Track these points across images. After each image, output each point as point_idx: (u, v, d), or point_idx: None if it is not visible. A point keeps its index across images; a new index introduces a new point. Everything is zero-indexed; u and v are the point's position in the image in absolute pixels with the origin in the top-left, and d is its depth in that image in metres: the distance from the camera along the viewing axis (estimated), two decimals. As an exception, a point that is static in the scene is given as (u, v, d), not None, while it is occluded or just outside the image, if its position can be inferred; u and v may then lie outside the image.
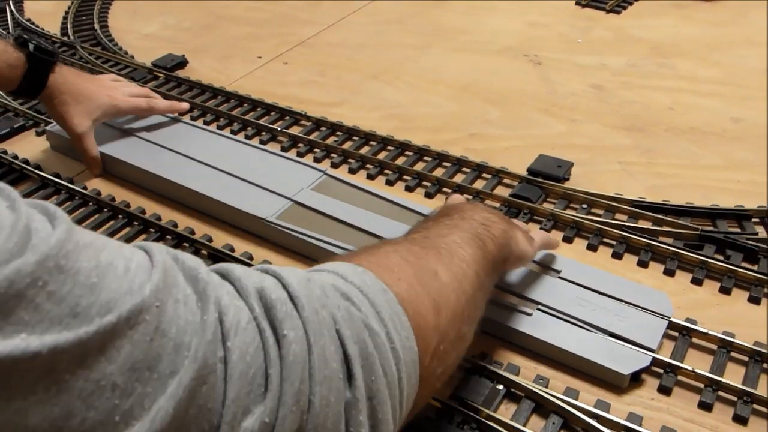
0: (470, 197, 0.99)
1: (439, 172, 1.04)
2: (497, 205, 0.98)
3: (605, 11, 1.59)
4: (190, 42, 1.50)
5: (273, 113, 1.21)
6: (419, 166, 1.06)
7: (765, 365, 0.74)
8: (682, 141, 1.12)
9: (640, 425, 0.67)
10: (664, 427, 0.68)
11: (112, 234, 0.93)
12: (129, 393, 0.33)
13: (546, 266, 0.82)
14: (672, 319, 0.76)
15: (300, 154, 1.10)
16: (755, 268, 0.85)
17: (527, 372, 0.74)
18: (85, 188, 1.01)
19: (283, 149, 1.10)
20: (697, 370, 0.72)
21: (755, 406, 0.69)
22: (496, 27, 1.54)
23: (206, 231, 0.94)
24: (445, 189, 1.01)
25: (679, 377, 0.72)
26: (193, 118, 1.18)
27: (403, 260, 0.53)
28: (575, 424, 0.68)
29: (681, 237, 0.91)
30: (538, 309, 0.77)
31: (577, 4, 1.63)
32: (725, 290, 0.84)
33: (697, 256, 0.86)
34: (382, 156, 1.08)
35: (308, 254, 0.88)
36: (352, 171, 1.06)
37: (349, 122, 1.15)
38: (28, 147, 1.13)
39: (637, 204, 0.96)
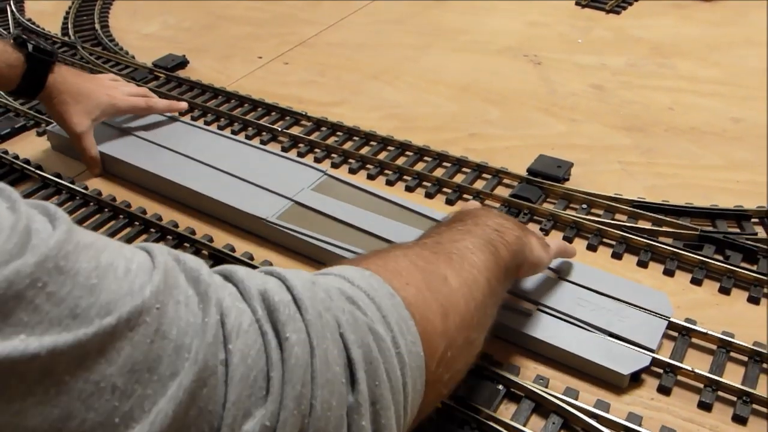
0: (471, 197, 0.99)
1: (439, 173, 1.04)
2: (497, 205, 0.98)
3: (605, 11, 1.59)
4: (191, 42, 1.50)
5: (273, 113, 1.21)
6: (419, 167, 1.06)
7: (764, 365, 0.74)
8: (682, 141, 1.12)
9: (640, 425, 0.67)
10: (663, 427, 0.68)
11: (112, 234, 0.93)
12: (129, 395, 0.32)
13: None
14: (671, 319, 0.76)
15: (300, 155, 1.10)
16: (754, 268, 0.86)
17: (527, 372, 0.74)
18: (86, 188, 1.01)
19: (284, 149, 1.11)
20: (696, 370, 0.72)
21: (755, 406, 0.70)
22: (496, 27, 1.54)
23: (207, 231, 0.94)
24: (445, 189, 1.02)
25: (679, 377, 0.73)
26: (193, 119, 1.18)
27: (412, 264, 0.52)
28: (575, 423, 0.68)
29: (680, 237, 0.91)
30: (538, 309, 0.78)
31: (577, 4, 1.63)
32: (725, 290, 0.84)
33: (697, 257, 0.86)
34: (382, 156, 1.08)
35: (309, 254, 0.88)
36: (352, 171, 1.06)
37: (350, 122, 1.16)
38: (29, 147, 1.14)
39: (636, 204, 0.96)
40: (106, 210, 0.98)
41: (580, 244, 0.91)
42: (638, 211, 0.95)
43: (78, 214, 0.97)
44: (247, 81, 1.34)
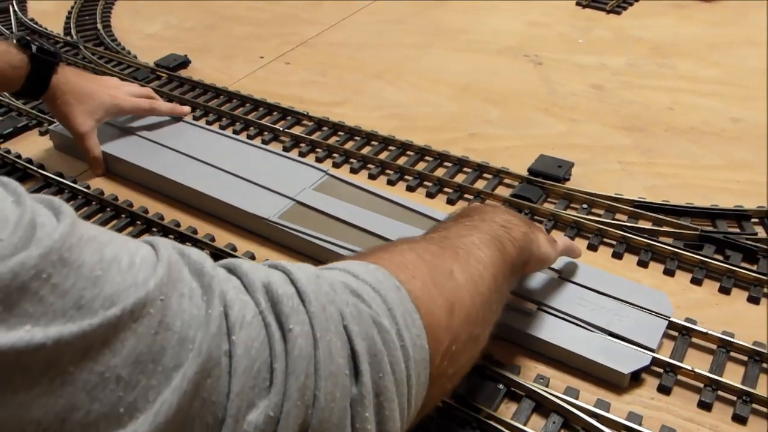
0: (471, 197, 1.00)
1: (440, 172, 1.04)
2: (498, 205, 0.98)
3: (605, 11, 1.59)
4: (193, 42, 1.50)
5: (275, 113, 1.21)
6: (420, 166, 1.06)
7: (764, 365, 0.74)
8: (682, 141, 1.13)
9: (640, 424, 0.67)
10: (663, 427, 0.68)
11: (115, 233, 0.93)
12: (133, 386, 0.33)
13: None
14: (672, 319, 0.77)
15: (302, 154, 1.10)
16: (754, 268, 0.86)
17: (528, 371, 0.74)
18: (88, 187, 1.01)
19: (285, 149, 1.11)
20: (696, 370, 0.72)
21: (754, 405, 0.70)
22: (496, 27, 1.54)
23: (209, 230, 0.94)
24: (446, 189, 1.02)
25: (679, 377, 0.73)
26: (195, 118, 1.19)
27: (418, 258, 0.52)
28: (575, 423, 0.68)
29: (681, 237, 0.91)
30: (539, 309, 0.78)
31: (578, 4, 1.63)
32: (725, 290, 0.84)
33: (697, 256, 0.87)
34: (383, 156, 1.09)
35: (310, 254, 0.88)
36: (353, 171, 1.06)
37: (351, 122, 1.16)
38: (32, 146, 1.14)
39: (637, 204, 0.97)
40: (108, 209, 0.98)
41: (580, 244, 0.90)
42: (638, 211, 0.95)
43: (80, 213, 0.97)
44: (249, 81, 1.34)
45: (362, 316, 0.43)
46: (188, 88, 1.31)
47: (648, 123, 1.17)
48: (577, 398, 0.70)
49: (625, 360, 0.72)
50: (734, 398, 0.71)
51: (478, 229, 0.61)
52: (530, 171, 1.03)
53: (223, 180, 0.98)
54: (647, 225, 0.94)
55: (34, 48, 0.96)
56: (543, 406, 0.70)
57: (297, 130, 1.16)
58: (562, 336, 0.75)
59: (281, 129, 1.15)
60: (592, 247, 0.91)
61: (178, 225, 0.94)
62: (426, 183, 1.03)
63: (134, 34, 1.55)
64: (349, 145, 1.11)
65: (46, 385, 0.30)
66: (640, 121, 1.18)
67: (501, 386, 0.72)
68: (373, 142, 1.12)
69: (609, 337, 0.74)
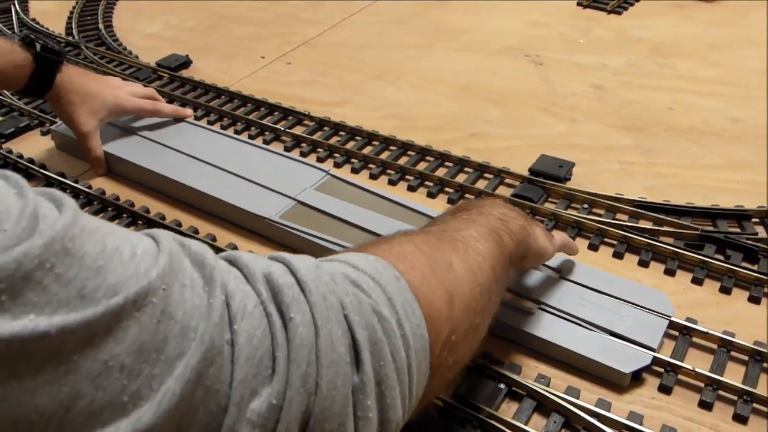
0: (472, 197, 1.00)
1: (441, 172, 1.05)
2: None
3: (606, 11, 1.60)
4: (194, 42, 1.51)
5: (276, 113, 1.22)
6: (421, 166, 1.07)
7: (765, 364, 0.74)
8: (682, 141, 1.13)
9: (641, 424, 0.67)
10: (664, 426, 0.68)
11: (117, 233, 0.93)
12: (137, 374, 0.33)
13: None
14: (672, 319, 0.77)
15: (303, 154, 1.10)
16: (755, 267, 0.86)
17: (528, 371, 0.74)
18: (89, 187, 1.02)
19: (287, 149, 1.11)
20: (697, 370, 0.72)
21: (755, 405, 0.70)
22: (497, 27, 1.54)
23: (210, 230, 0.94)
24: (447, 189, 1.02)
25: (680, 376, 0.73)
26: (196, 118, 1.19)
27: (417, 249, 0.52)
28: (576, 422, 0.69)
29: (681, 237, 0.91)
30: (540, 308, 0.78)
31: (578, 4, 1.63)
32: (725, 290, 0.84)
33: (698, 256, 0.87)
34: (384, 156, 1.09)
35: (311, 253, 0.86)
36: (354, 171, 1.06)
37: (352, 122, 1.16)
38: (33, 146, 1.14)
39: (637, 204, 0.97)
40: (110, 209, 0.98)
41: (581, 244, 0.91)
42: (639, 210, 0.95)
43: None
44: (250, 81, 1.34)
45: (362, 306, 0.43)
46: (189, 88, 1.31)
47: (648, 123, 1.18)
48: (578, 398, 0.71)
49: (626, 359, 0.72)
50: (735, 398, 0.71)
51: (476, 222, 0.61)
52: (531, 171, 1.04)
53: (225, 180, 0.98)
54: (648, 225, 0.94)
55: (38, 47, 0.96)
56: (544, 406, 0.70)
57: (298, 130, 1.16)
58: (563, 335, 0.75)
59: (282, 129, 1.15)
60: (592, 247, 0.91)
61: (180, 225, 0.95)
62: (427, 183, 1.03)
63: (136, 34, 1.55)
64: (350, 145, 1.12)
65: (51, 373, 0.31)
66: (640, 121, 1.18)
67: (502, 386, 0.72)
68: (374, 142, 1.12)
69: (610, 337, 0.74)
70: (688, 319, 0.78)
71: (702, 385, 0.72)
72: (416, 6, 1.66)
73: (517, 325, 0.76)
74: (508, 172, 1.03)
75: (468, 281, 0.53)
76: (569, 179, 1.03)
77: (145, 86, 1.17)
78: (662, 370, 0.73)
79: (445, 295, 0.50)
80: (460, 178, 1.04)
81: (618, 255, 0.90)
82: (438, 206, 0.96)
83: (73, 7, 1.63)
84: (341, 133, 1.16)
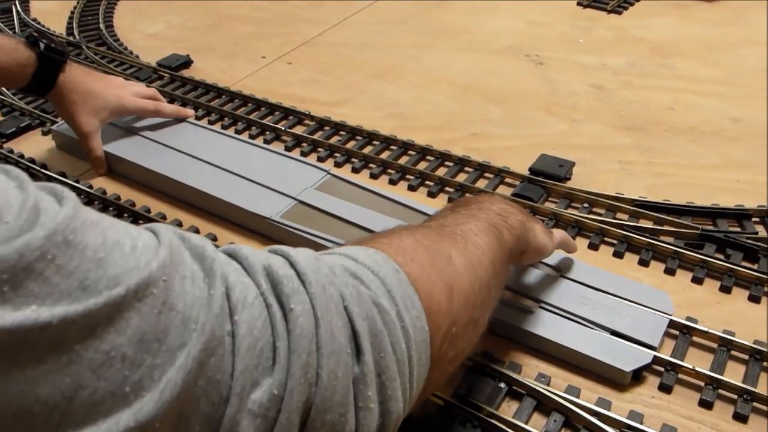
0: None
1: (441, 172, 1.05)
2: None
3: (606, 11, 1.60)
4: (195, 41, 1.51)
5: (277, 113, 1.22)
6: (422, 166, 1.07)
7: (765, 363, 0.74)
8: (682, 140, 1.13)
9: (641, 423, 0.68)
10: (664, 425, 0.68)
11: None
12: (138, 364, 0.33)
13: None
14: (672, 318, 0.77)
15: (303, 154, 1.10)
16: (755, 267, 0.86)
17: (529, 370, 0.75)
18: (90, 187, 1.02)
19: (287, 149, 1.11)
20: (697, 369, 0.72)
21: (755, 404, 0.70)
22: (497, 27, 1.54)
23: (211, 230, 0.94)
24: (447, 188, 1.02)
25: (680, 375, 0.73)
26: (197, 118, 1.19)
27: (416, 243, 0.52)
28: (577, 421, 0.69)
29: (682, 236, 0.91)
30: (540, 307, 0.78)
31: (579, 4, 1.63)
32: (725, 289, 0.84)
33: (698, 255, 0.87)
34: (384, 155, 1.09)
35: (312, 253, 0.89)
36: (355, 170, 1.07)
37: (353, 122, 1.16)
38: (34, 146, 1.14)
39: (638, 203, 0.97)
40: (111, 208, 0.98)
41: (581, 243, 0.91)
42: (639, 210, 0.96)
43: (83, 212, 0.98)
44: (251, 80, 1.35)
45: (362, 298, 0.43)
46: (190, 88, 1.31)
47: (648, 123, 1.18)
48: (578, 397, 0.71)
49: (626, 358, 0.72)
50: (735, 397, 0.71)
51: (476, 217, 0.62)
52: (531, 170, 1.04)
53: (226, 179, 0.98)
54: (648, 224, 0.94)
55: (41, 46, 0.96)
56: (544, 405, 0.71)
57: (299, 130, 1.16)
58: (564, 334, 0.75)
59: (283, 129, 1.16)
60: (593, 247, 0.91)
61: (181, 224, 0.95)
62: (427, 182, 1.04)
63: (137, 34, 1.55)
64: (350, 145, 1.12)
65: (53, 363, 0.31)
66: (640, 121, 1.18)
67: (502, 385, 0.72)
68: (375, 142, 1.13)
69: (610, 336, 0.75)
70: (689, 318, 0.78)
71: (702, 384, 0.72)
72: (417, 6, 1.66)
73: (517, 324, 0.76)
74: (509, 172, 1.04)
75: (467, 275, 0.54)
76: (569, 179, 1.03)
77: (147, 86, 1.17)
78: (662, 369, 0.74)
79: (444, 288, 0.50)
80: (461, 178, 1.04)
81: (618, 254, 0.90)
82: (438, 206, 0.96)
83: (74, 7, 1.64)
84: (342, 132, 1.16)
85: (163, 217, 0.96)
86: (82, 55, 1.42)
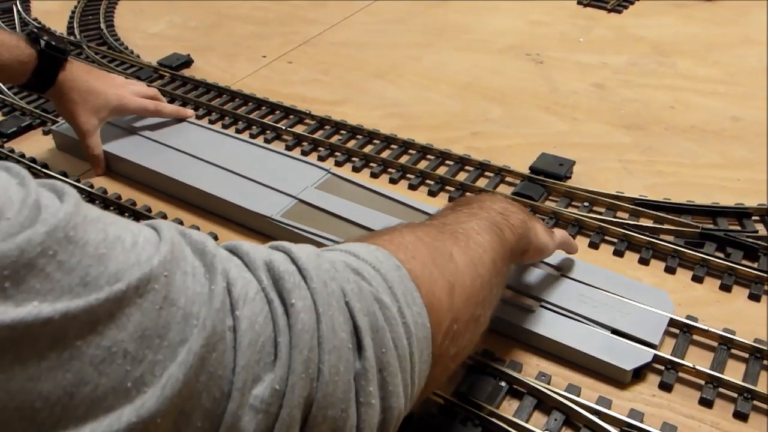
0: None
1: (441, 171, 1.05)
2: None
3: (606, 10, 1.60)
4: (196, 41, 1.51)
5: (277, 112, 1.22)
6: (422, 165, 1.07)
7: (765, 362, 0.74)
8: (682, 139, 1.13)
9: (641, 421, 0.68)
10: (665, 424, 0.68)
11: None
12: (140, 360, 0.33)
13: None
14: (673, 317, 0.77)
15: (304, 153, 1.11)
16: (755, 265, 0.86)
17: (529, 369, 0.75)
18: (91, 186, 1.02)
19: (288, 148, 1.11)
20: (697, 367, 0.72)
21: (756, 402, 0.70)
22: (498, 26, 1.54)
23: (211, 229, 0.95)
24: (447, 187, 1.02)
25: (680, 374, 0.73)
26: (198, 117, 1.19)
27: (418, 240, 0.53)
28: (577, 420, 0.69)
29: (682, 235, 0.91)
30: (541, 305, 0.78)
31: (579, 3, 1.63)
32: (725, 288, 0.84)
33: (698, 254, 0.87)
34: (385, 154, 1.09)
35: (313, 252, 0.89)
36: (355, 169, 1.07)
37: (353, 121, 1.16)
38: (35, 146, 1.14)
39: (638, 202, 0.97)
40: (112, 208, 0.99)
41: (582, 242, 0.91)
42: (639, 208, 0.96)
43: (84, 212, 0.98)
44: (252, 80, 1.35)
45: (363, 293, 0.43)
46: (191, 87, 1.31)
47: (648, 121, 1.18)
48: (578, 395, 0.71)
49: (627, 357, 0.73)
50: (735, 395, 0.71)
51: (477, 216, 0.62)
52: (532, 169, 1.04)
53: (226, 179, 0.98)
54: (648, 223, 0.94)
55: (42, 43, 0.96)
56: (545, 404, 0.71)
57: (299, 129, 1.16)
58: (564, 333, 0.75)
59: (283, 128, 1.16)
60: (593, 245, 0.91)
61: (182, 223, 0.95)
62: (428, 181, 1.04)
63: (137, 33, 1.56)
64: (351, 144, 1.12)
65: (54, 359, 0.31)
66: (640, 120, 1.18)
67: (503, 383, 0.72)
68: (375, 141, 1.13)
69: (611, 334, 0.75)
70: (689, 317, 0.78)
71: (702, 382, 0.72)
72: (417, 5, 1.66)
73: (518, 323, 0.77)
74: (509, 171, 1.04)
75: (469, 273, 0.54)
76: (570, 177, 1.04)
77: (147, 86, 1.17)
78: (663, 367, 0.74)
79: (446, 286, 0.50)
80: (461, 177, 1.04)
81: (618, 253, 0.90)
82: (439, 205, 0.97)
83: (75, 7, 1.64)
84: (342, 131, 1.16)
85: (164, 217, 0.96)
86: (83, 55, 1.42)
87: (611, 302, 0.78)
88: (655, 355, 0.73)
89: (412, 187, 1.03)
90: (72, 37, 1.49)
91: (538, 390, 0.71)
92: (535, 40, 1.47)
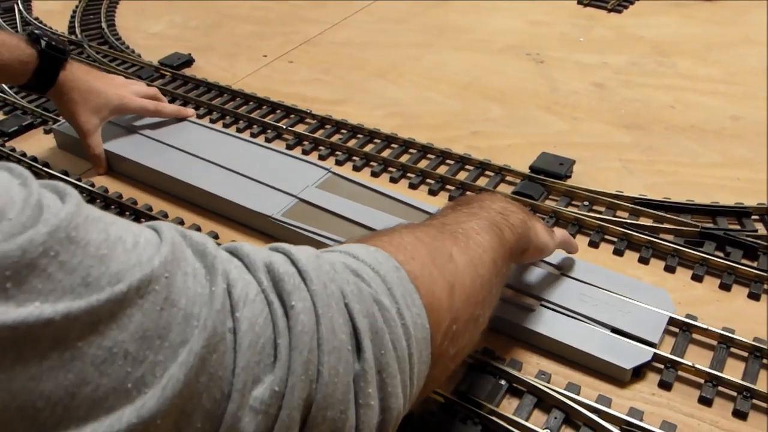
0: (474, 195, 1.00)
1: (442, 170, 1.05)
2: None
3: (606, 10, 1.60)
4: (197, 40, 1.51)
5: (278, 111, 1.22)
6: (423, 164, 1.07)
7: (764, 361, 0.74)
8: (682, 139, 1.13)
9: (641, 420, 0.68)
10: (664, 422, 0.68)
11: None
12: (141, 361, 0.33)
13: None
14: (672, 315, 0.77)
15: (305, 152, 1.11)
16: (755, 264, 0.86)
17: (529, 367, 0.75)
18: (92, 185, 1.02)
19: (288, 147, 1.12)
20: (697, 366, 0.72)
21: (755, 401, 0.70)
22: (498, 26, 1.55)
23: (212, 228, 0.95)
24: (448, 186, 1.02)
25: (680, 372, 0.73)
26: (199, 117, 1.19)
27: (417, 240, 0.53)
28: (577, 418, 0.69)
29: (681, 234, 0.92)
30: (541, 305, 0.78)
31: (579, 3, 1.64)
32: (725, 287, 0.84)
33: (698, 253, 0.87)
34: (386, 154, 1.09)
35: (313, 251, 0.89)
36: (356, 168, 1.07)
37: (354, 120, 1.16)
38: (36, 145, 1.15)
39: (638, 201, 0.97)
40: (113, 207, 0.99)
41: (582, 241, 0.91)
42: (639, 208, 0.96)
43: (85, 211, 0.98)
44: (252, 79, 1.35)
45: (363, 295, 0.43)
46: (192, 87, 1.31)
47: (648, 121, 1.18)
48: (578, 394, 0.71)
49: (626, 356, 0.73)
50: (735, 394, 0.71)
51: (477, 216, 0.62)
52: (532, 168, 1.04)
53: (227, 178, 0.98)
54: (648, 222, 0.94)
55: (42, 44, 0.96)
56: (544, 402, 0.71)
57: (300, 129, 1.16)
58: (564, 332, 0.75)
59: (284, 127, 1.16)
60: (593, 244, 0.91)
61: (182, 222, 0.95)
62: (428, 180, 1.04)
63: (138, 33, 1.56)
64: (351, 143, 1.12)
65: (56, 359, 0.31)
66: (640, 119, 1.18)
67: (503, 382, 0.72)
68: (376, 140, 1.13)
69: (611, 333, 0.75)
70: (688, 316, 0.78)
71: (702, 381, 0.73)
72: (417, 5, 1.66)
73: (518, 321, 0.77)
74: (509, 170, 1.04)
75: (468, 273, 0.54)
76: (570, 177, 1.04)
77: (148, 85, 1.17)
78: (662, 366, 0.74)
79: (445, 286, 0.50)
80: (462, 176, 1.04)
81: (618, 252, 0.90)
82: (439, 204, 0.97)
83: (76, 6, 1.64)
84: (343, 131, 1.16)
85: (165, 216, 0.96)
86: (84, 54, 1.42)
87: (611, 301, 0.78)
88: (655, 353, 0.73)
89: (413, 187, 1.03)
90: (73, 37, 1.50)
91: (537, 388, 0.71)
92: (536, 39, 1.48)
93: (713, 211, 0.95)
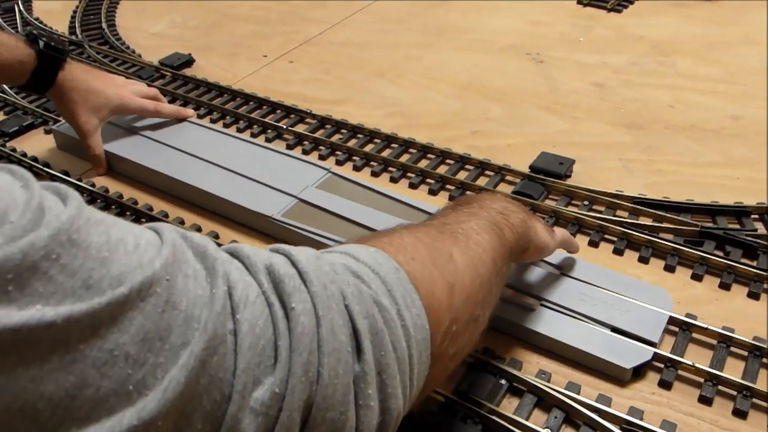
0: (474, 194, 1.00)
1: (442, 170, 1.05)
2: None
3: (606, 10, 1.60)
4: (197, 40, 1.51)
5: (278, 111, 1.22)
6: (423, 164, 1.07)
7: (764, 360, 0.74)
8: (682, 138, 1.13)
9: (641, 419, 0.68)
10: (664, 421, 0.68)
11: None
12: (141, 363, 0.33)
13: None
14: (672, 315, 0.77)
15: (305, 152, 1.11)
16: (754, 264, 0.86)
17: (529, 367, 0.75)
18: (92, 186, 1.02)
19: (288, 147, 1.12)
20: (697, 365, 0.73)
21: (754, 400, 0.70)
22: (498, 26, 1.55)
23: (212, 228, 0.95)
24: (448, 186, 1.03)
25: (680, 372, 0.73)
26: (199, 117, 1.19)
27: (417, 241, 0.53)
28: (577, 418, 0.69)
29: (681, 233, 0.92)
30: (541, 304, 0.78)
31: (579, 2, 1.64)
32: (725, 286, 0.85)
33: (697, 252, 0.87)
34: (386, 154, 1.09)
35: (314, 251, 0.89)
36: (356, 168, 1.07)
37: (354, 120, 1.17)
38: (37, 145, 1.15)
39: (637, 201, 0.97)
40: (113, 207, 0.99)
41: (581, 241, 0.91)
42: (639, 207, 0.96)
43: (86, 211, 0.98)
44: (253, 79, 1.35)
45: (363, 296, 0.43)
46: (192, 87, 1.31)
47: (648, 120, 1.18)
48: (578, 393, 0.71)
49: (626, 355, 0.73)
50: (734, 393, 0.71)
51: (477, 215, 0.62)
52: (532, 168, 1.04)
53: (227, 178, 0.98)
54: (648, 221, 0.95)
55: (41, 44, 0.97)
56: (545, 401, 0.71)
57: (300, 128, 1.16)
58: (564, 331, 0.76)
59: (284, 127, 1.16)
60: (593, 244, 0.91)
61: (183, 223, 0.95)
62: (428, 180, 1.04)
63: (139, 33, 1.56)
64: (351, 143, 1.12)
65: (57, 362, 0.31)
66: (640, 119, 1.19)
67: (503, 381, 0.72)
68: (376, 140, 1.13)
69: (611, 333, 0.75)
70: (688, 315, 0.78)
71: (702, 380, 0.73)
72: (417, 5, 1.66)
73: (518, 321, 0.77)
74: (509, 170, 1.04)
75: (468, 273, 0.54)
76: (570, 176, 1.04)
77: (148, 86, 1.17)
78: (662, 365, 0.74)
79: (445, 286, 0.50)
80: (462, 176, 1.04)
81: (618, 251, 0.90)
82: (439, 203, 0.97)
83: (77, 6, 1.64)
84: (343, 131, 1.16)
85: (165, 216, 0.96)
86: (85, 54, 1.42)
87: (611, 300, 0.78)
88: (655, 353, 0.73)
89: (413, 186, 1.03)
90: (74, 37, 1.50)
91: (538, 388, 0.71)
92: (535, 39, 1.48)
93: (713, 211, 0.96)
